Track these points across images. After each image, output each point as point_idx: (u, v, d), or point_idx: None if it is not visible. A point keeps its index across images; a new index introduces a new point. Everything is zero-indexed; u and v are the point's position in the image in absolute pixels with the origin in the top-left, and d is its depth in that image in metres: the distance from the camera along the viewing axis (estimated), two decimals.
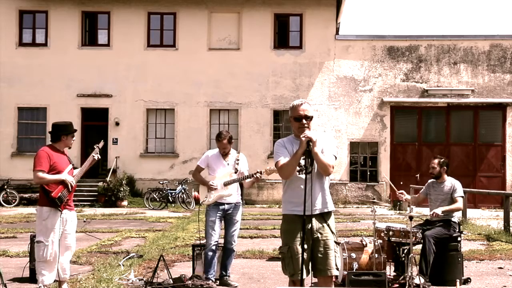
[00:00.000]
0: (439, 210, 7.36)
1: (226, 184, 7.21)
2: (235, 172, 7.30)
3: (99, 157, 6.62)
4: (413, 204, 7.46)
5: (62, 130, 6.47)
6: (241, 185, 7.47)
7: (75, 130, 6.64)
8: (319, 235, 4.70)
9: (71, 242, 6.46)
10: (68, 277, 6.59)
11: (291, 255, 4.62)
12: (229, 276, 7.32)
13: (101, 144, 6.80)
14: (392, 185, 7.99)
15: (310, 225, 4.66)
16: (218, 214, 7.21)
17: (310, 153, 4.59)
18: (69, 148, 6.64)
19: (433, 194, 7.75)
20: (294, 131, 4.86)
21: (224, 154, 7.35)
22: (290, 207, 4.71)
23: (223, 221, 7.35)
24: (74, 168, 6.61)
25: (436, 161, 7.75)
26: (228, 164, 7.33)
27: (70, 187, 6.30)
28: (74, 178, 6.45)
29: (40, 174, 6.21)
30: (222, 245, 7.38)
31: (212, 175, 7.33)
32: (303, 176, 4.58)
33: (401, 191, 7.43)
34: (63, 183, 6.27)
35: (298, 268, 4.54)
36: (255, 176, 7.22)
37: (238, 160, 7.37)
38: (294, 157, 4.63)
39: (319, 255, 4.68)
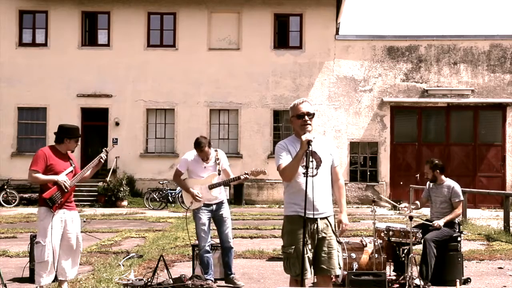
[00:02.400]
0: (441, 222, 7.41)
1: (211, 187, 7.17)
2: (219, 174, 7.25)
3: (105, 157, 6.58)
4: (419, 209, 7.55)
5: (66, 134, 6.44)
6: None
7: (80, 136, 6.58)
8: (323, 235, 4.73)
9: (74, 242, 6.42)
10: (71, 277, 6.56)
11: (297, 255, 4.62)
12: (234, 274, 7.32)
13: (109, 148, 6.83)
14: (394, 203, 8.10)
15: (315, 225, 4.69)
16: (207, 215, 7.21)
17: (312, 153, 4.63)
18: (72, 151, 6.60)
19: (432, 196, 7.82)
20: (295, 130, 4.86)
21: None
22: (294, 208, 4.72)
23: (212, 221, 7.32)
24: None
25: (427, 166, 7.80)
26: (209, 166, 7.27)
27: (64, 188, 6.28)
28: (76, 179, 6.42)
29: (34, 174, 6.24)
30: (219, 245, 7.38)
31: (194, 179, 7.25)
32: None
33: (404, 205, 7.39)
34: (57, 184, 6.25)
35: (304, 268, 4.58)
36: (241, 178, 7.21)
37: (218, 159, 7.29)
38: (295, 158, 4.64)
39: (323, 254, 4.71)
